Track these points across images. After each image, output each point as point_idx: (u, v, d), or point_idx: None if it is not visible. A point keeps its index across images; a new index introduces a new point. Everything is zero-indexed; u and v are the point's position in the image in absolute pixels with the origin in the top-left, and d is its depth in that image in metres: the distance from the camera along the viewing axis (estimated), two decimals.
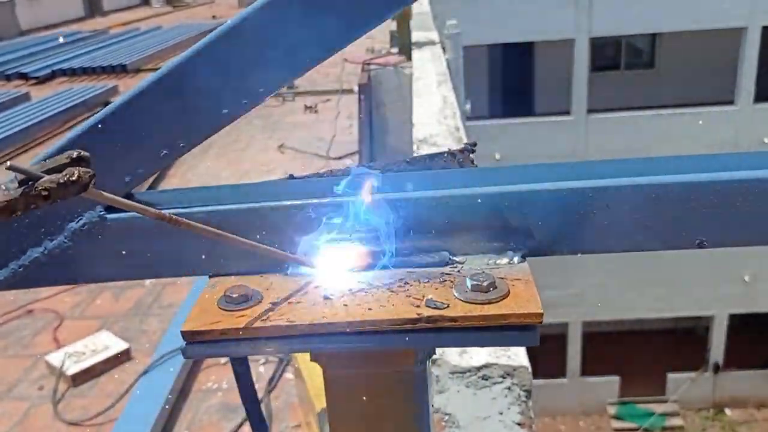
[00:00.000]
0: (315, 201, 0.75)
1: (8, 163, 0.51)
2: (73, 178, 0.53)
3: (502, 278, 0.71)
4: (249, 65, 0.71)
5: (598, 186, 0.72)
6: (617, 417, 15.10)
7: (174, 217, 0.64)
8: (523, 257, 0.75)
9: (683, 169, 0.73)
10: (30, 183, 0.52)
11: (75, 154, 0.54)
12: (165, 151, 0.74)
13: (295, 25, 0.70)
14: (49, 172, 0.53)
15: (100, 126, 0.74)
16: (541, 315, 0.66)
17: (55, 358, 3.28)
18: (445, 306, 0.67)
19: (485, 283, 0.68)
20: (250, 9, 0.69)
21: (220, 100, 0.73)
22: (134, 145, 0.74)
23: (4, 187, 0.52)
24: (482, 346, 0.69)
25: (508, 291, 0.68)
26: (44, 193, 0.52)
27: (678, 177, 0.72)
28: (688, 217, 0.73)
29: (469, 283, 0.69)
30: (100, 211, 0.76)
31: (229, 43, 0.71)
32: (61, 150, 0.74)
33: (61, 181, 0.52)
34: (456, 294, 0.69)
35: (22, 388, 3.20)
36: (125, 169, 0.74)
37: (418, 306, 0.68)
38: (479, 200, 0.74)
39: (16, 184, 0.53)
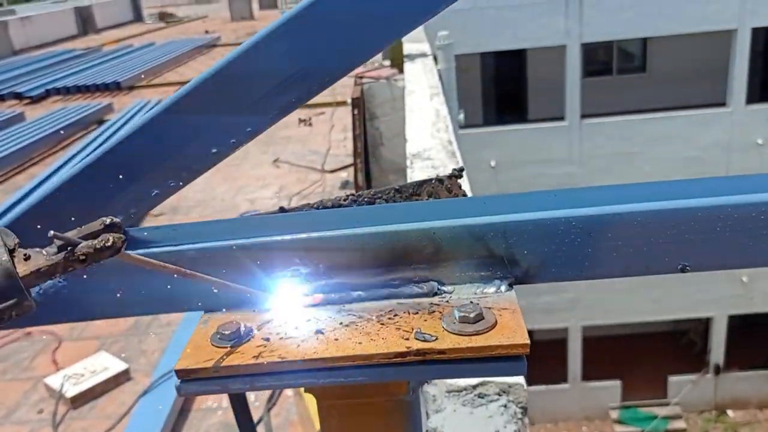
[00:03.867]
0: (304, 236, 0.76)
1: (51, 232, 0.57)
2: (108, 244, 0.58)
3: (489, 308, 0.72)
4: (236, 107, 0.73)
5: (580, 215, 0.74)
6: (620, 421, 15.08)
7: (190, 272, 0.70)
8: (510, 286, 0.76)
9: (663, 196, 0.75)
10: (69, 248, 0.57)
11: (108, 221, 0.59)
12: (156, 191, 0.76)
13: (280, 66, 0.72)
14: (85, 237, 0.58)
15: (93, 166, 0.75)
16: (527, 345, 0.67)
17: (54, 380, 3.28)
18: (434, 338, 0.68)
19: (472, 315, 0.69)
20: (235, 53, 0.71)
21: (209, 140, 0.74)
22: (125, 186, 0.76)
23: (45, 252, 0.57)
24: (471, 377, 0.71)
25: (495, 321, 0.70)
26: (82, 257, 0.57)
27: (658, 204, 0.73)
28: (670, 243, 0.74)
29: (457, 314, 0.70)
30: None
31: (217, 85, 0.73)
32: (58, 190, 0.75)
33: (98, 246, 0.58)
34: (444, 326, 0.70)
35: (22, 412, 3.19)
36: (115, 209, 0.76)
37: (407, 339, 0.69)
38: (465, 231, 0.75)
39: (56, 249, 0.57)
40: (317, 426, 2.46)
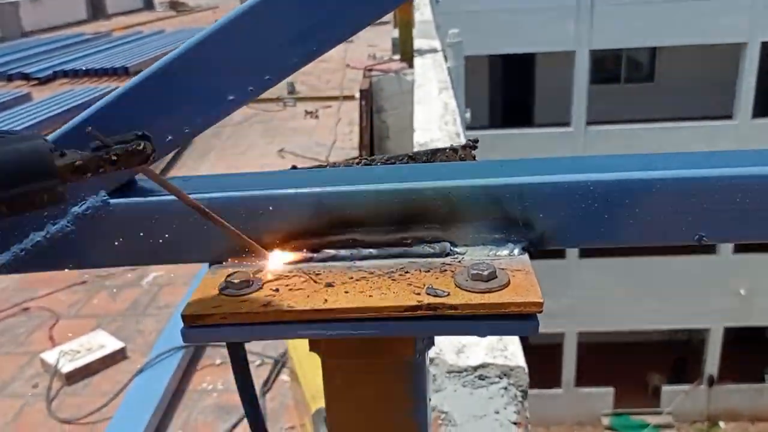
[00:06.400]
0: (318, 190, 0.75)
1: (89, 127, 0.59)
2: (140, 148, 0.60)
3: (502, 269, 0.71)
4: (256, 52, 0.72)
5: (598, 180, 0.73)
6: (611, 428, 15.08)
7: (205, 209, 0.69)
8: (524, 249, 0.75)
9: (683, 165, 0.74)
10: (102, 149, 0.59)
11: (141, 132, 0.61)
12: (170, 137, 0.75)
13: (299, 13, 0.71)
14: (118, 143, 0.60)
15: (107, 110, 0.74)
16: (541, 304, 0.66)
17: (50, 356, 3.27)
18: (446, 294, 0.67)
19: (486, 273, 0.68)
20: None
21: (226, 86, 0.73)
22: (140, 130, 0.74)
23: (79, 153, 0.58)
24: (482, 335, 0.69)
25: (509, 281, 0.69)
26: (114, 158, 0.59)
27: (678, 172, 0.72)
28: (688, 212, 0.73)
29: (469, 272, 0.69)
30: (104, 196, 0.77)
31: (236, 29, 0.72)
32: (75, 129, 0.74)
33: (129, 149, 0.59)
34: (457, 282, 0.69)
35: (17, 385, 3.19)
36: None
37: (418, 294, 0.68)
38: (481, 191, 0.74)
39: (89, 151, 0.59)
40: (312, 410, 2.46)
